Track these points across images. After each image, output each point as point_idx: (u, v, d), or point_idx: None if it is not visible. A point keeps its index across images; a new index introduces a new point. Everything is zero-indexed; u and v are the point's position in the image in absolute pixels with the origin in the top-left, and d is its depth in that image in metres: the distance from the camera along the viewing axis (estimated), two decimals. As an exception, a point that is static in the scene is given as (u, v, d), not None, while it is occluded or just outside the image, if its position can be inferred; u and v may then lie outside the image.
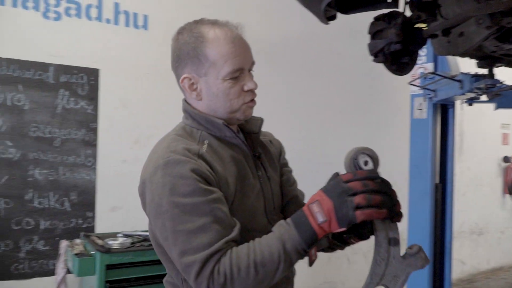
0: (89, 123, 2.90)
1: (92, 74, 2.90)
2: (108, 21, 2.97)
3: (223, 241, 0.95)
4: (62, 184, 2.81)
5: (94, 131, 2.91)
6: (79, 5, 2.88)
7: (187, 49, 1.09)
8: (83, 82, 2.88)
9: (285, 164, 1.33)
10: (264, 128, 1.23)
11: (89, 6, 2.90)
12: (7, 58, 2.64)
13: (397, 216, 0.94)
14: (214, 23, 1.10)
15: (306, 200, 1.05)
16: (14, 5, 2.68)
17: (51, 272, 2.72)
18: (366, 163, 0.97)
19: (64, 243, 2.61)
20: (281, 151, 1.34)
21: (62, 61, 2.80)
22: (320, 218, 0.91)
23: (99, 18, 2.95)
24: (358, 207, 0.88)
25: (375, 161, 0.98)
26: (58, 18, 2.81)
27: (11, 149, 2.67)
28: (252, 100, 1.13)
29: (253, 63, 1.14)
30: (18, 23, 2.70)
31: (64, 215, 2.81)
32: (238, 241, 0.99)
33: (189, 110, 1.14)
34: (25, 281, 2.69)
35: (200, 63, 1.08)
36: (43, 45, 2.76)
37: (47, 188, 2.77)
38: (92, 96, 2.90)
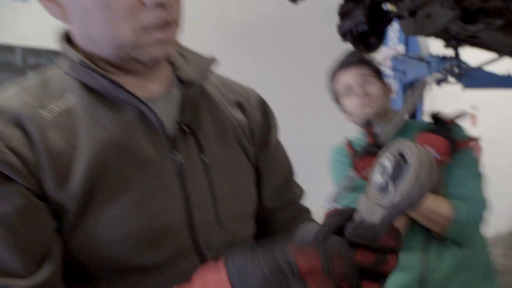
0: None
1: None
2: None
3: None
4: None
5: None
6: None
7: None
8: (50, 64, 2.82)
9: (270, 144, 0.76)
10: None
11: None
12: None
13: None
14: None
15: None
16: None
17: None
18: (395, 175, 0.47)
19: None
20: (267, 120, 0.76)
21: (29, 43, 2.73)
22: None
23: None
24: None
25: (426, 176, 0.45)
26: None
27: None
28: (166, 26, 0.58)
29: None
30: None
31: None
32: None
33: (61, 43, 0.63)
34: None
35: None
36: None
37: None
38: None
